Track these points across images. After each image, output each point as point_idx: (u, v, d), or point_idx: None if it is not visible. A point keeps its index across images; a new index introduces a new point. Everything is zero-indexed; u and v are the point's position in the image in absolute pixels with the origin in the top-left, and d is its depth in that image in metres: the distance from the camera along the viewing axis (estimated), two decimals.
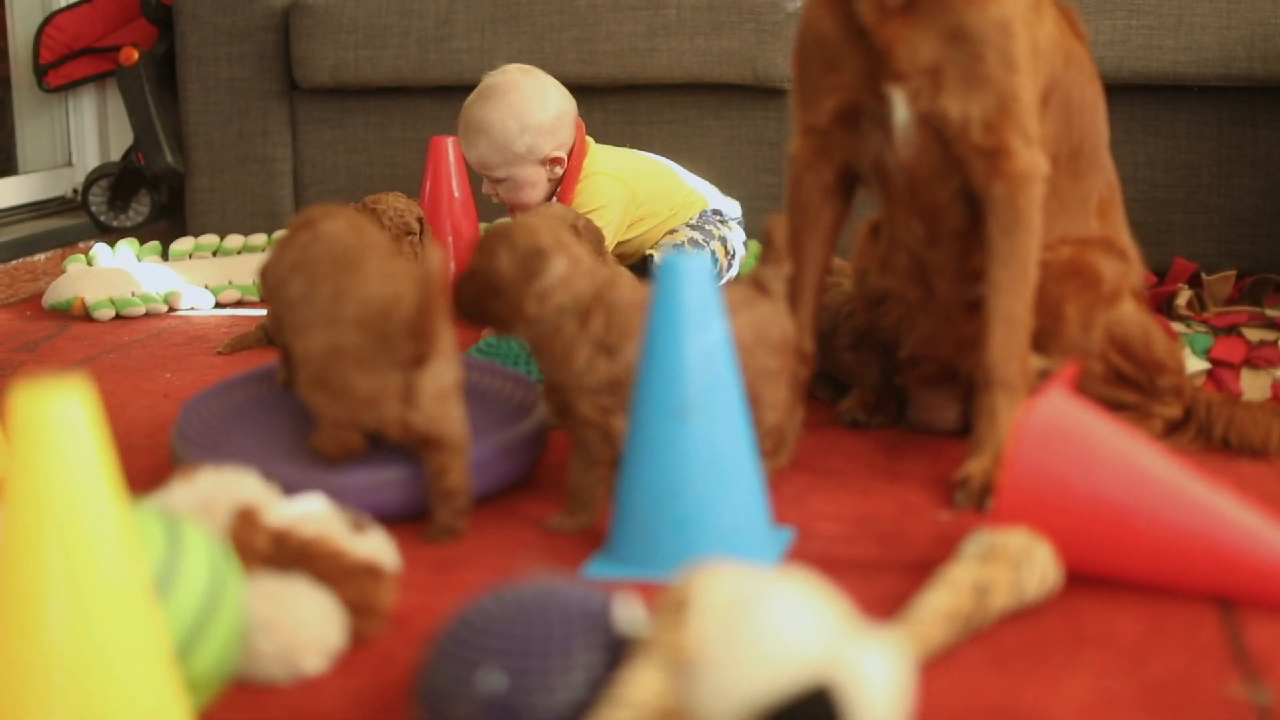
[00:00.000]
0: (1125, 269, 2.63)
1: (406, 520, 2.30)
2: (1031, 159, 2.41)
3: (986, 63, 2.36)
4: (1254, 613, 1.94)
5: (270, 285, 2.41)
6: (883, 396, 2.84)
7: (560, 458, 2.56)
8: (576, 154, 3.81)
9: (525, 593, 1.64)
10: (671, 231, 3.84)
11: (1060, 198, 2.59)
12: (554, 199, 3.81)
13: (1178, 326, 3.13)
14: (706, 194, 3.94)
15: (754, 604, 1.49)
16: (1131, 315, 2.60)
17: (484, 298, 2.31)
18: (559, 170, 3.78)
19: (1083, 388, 2.60)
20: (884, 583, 2.06)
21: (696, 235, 3.79)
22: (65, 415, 1.35)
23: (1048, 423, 2.01)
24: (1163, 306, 3.26)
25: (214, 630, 1.68)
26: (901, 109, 2.41)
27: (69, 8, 4.83)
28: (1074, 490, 1.98)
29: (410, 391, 2.19)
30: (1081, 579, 2.01)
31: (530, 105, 3.73)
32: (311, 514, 2.00)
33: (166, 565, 1.66)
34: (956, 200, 2.49)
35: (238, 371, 3.06)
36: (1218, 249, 4.08)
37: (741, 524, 2.11)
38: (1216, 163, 4.05)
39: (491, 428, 2.45)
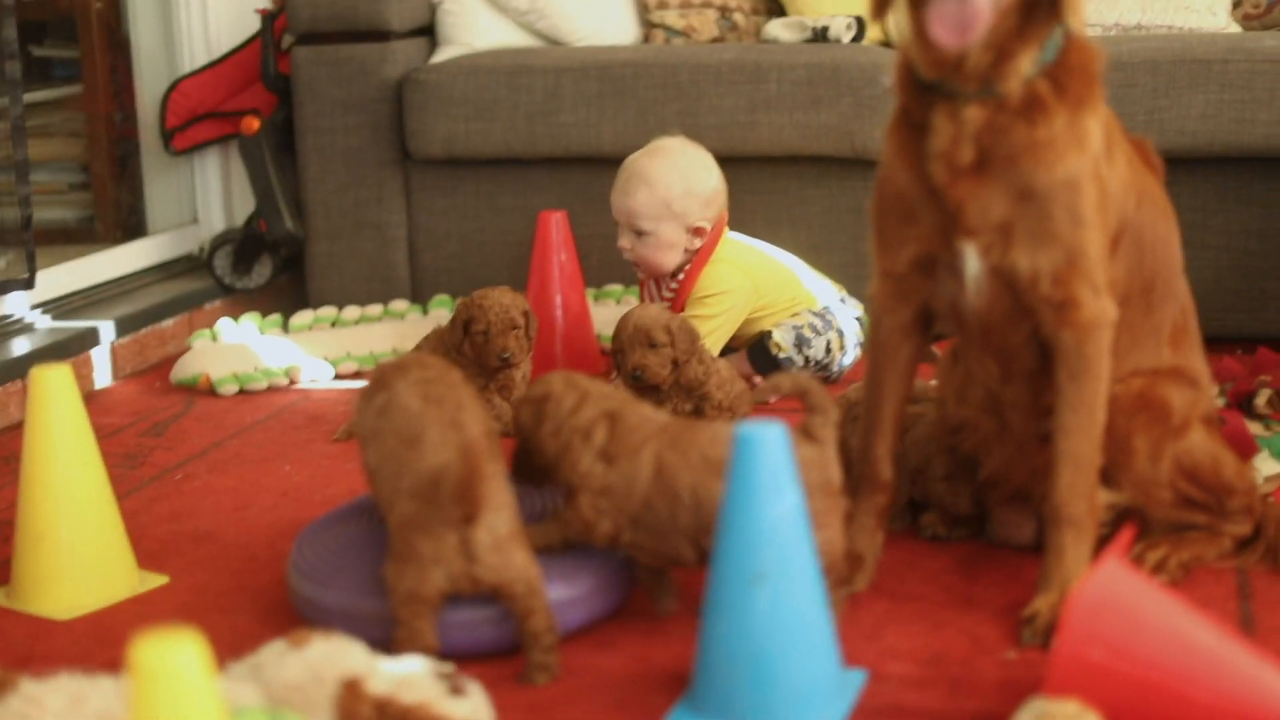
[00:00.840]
0: (1195, 397, 2.72)
1: (506, 656, 2.46)
2: (1099, 308, 2.51)
3: (1055, 220, 2.46)
4: None
5: (358, 436, 2.61)
6: (964, 514, 2.95)
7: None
8: (714, 234, 3.95)
9: None
10: (795, 314, 3.95)
11: (1133, 332, 2.68)
12: (683, 272, 3.96)
13: (1256, 427, 3.22)
14: (822, 292, 4.06)
15: None
16: (1200, 444, 2.69)
17: (525, 457, 2.61)
18: (698, 241, 3.92)
19: (1153, 513, 2.71)
20: None
21: (817, 321, 3.90)
22: (183, 667, 1.50)
23: (1100, 594, 2.13)
24: (1243, 404, 3.34)
25: None
26: (973, 261, 2.52)
27: (194, 73, 5.01)
28: (1124, 661, 2.09)
29: (467, 547, 2.36)
30: None
31: (695, 171, 3.89)
32: (412, 677, 2.15)
33: None
34: (1028, 343, 2.60)
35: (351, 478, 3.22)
36: None
37: (814, 678, 2.25)
38: None
39: (584, 563, 2.58)
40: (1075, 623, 2.12)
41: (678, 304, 3.96)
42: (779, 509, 2.20)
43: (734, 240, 4.03)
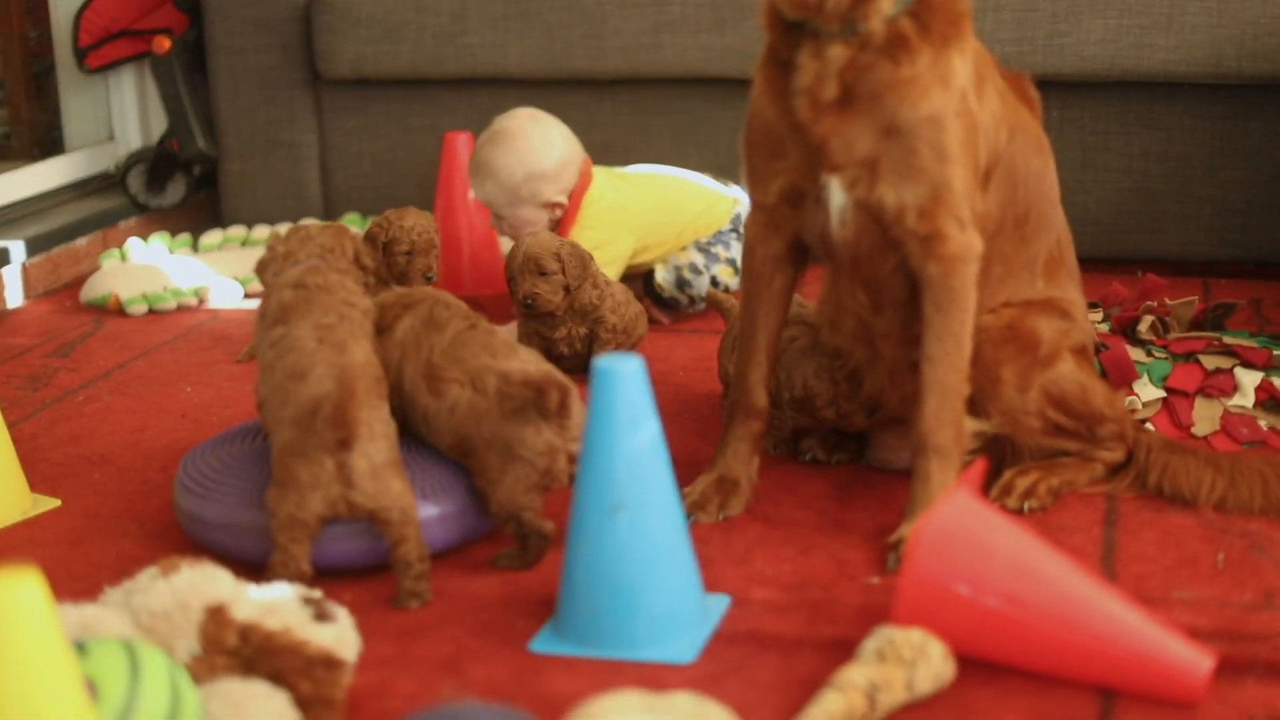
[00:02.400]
0: (1067, 327, 2.78)
1: (380, 572, 2.54)
2: (965, 241, 2.56)
3: (919, 156, 2.51)
4: (1131, 703, 2.12)
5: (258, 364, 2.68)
6: (842, 438, 3.01)
7: None
8: (578, 190, 3.96)
9: (444, 715, 1.85)
10: (683, 249, 3.98)
11: (1006, 263, 2.74)
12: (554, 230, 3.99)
13: (1137, 353, 3.27)
14: (739, 198, 4.08)
15: None
16: (1069, 373, 2.75)
17: None
18: (559, 213, 3.93)
19: (1023, 441, 2.78)
20: (805, 664, 2.25)
21: (699, 259, 3.93)
22: (24, 605, 1.55)
23: (947, 524, 2.19)
24: (1126, 330, 3.40)
25: None
26: (839, 195, 2.57)
27: None
28: (968, 591, 2.16)
29: (345, 472, 2.42)
30: (973, 666, 2.19)
31: (536, 153, 3.87)
32: (278, 604, 2.20)
33: (129, 692, 1.87)
34: (896, 274, 2.65)
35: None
36: (1210, 237, 4.20)
37: (674, 604, 2.31)
38: (1208, 155, 4.16)
39: (457, 482, 2.63)
40: (921, 553, 2.18)
41: None
42: (636, 441, 2.25)
43: (605, 182, 4.01)
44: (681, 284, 3.90)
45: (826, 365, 2.93)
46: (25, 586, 1.55)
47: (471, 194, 4.05)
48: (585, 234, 3.87)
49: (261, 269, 2.81)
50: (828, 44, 2.49)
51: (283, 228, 4.63)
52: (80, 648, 1.90)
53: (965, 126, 2.54)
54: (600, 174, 4.01)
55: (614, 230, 3.92)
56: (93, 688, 1.83)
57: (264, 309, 2.71)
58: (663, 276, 3.91)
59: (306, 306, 2.64)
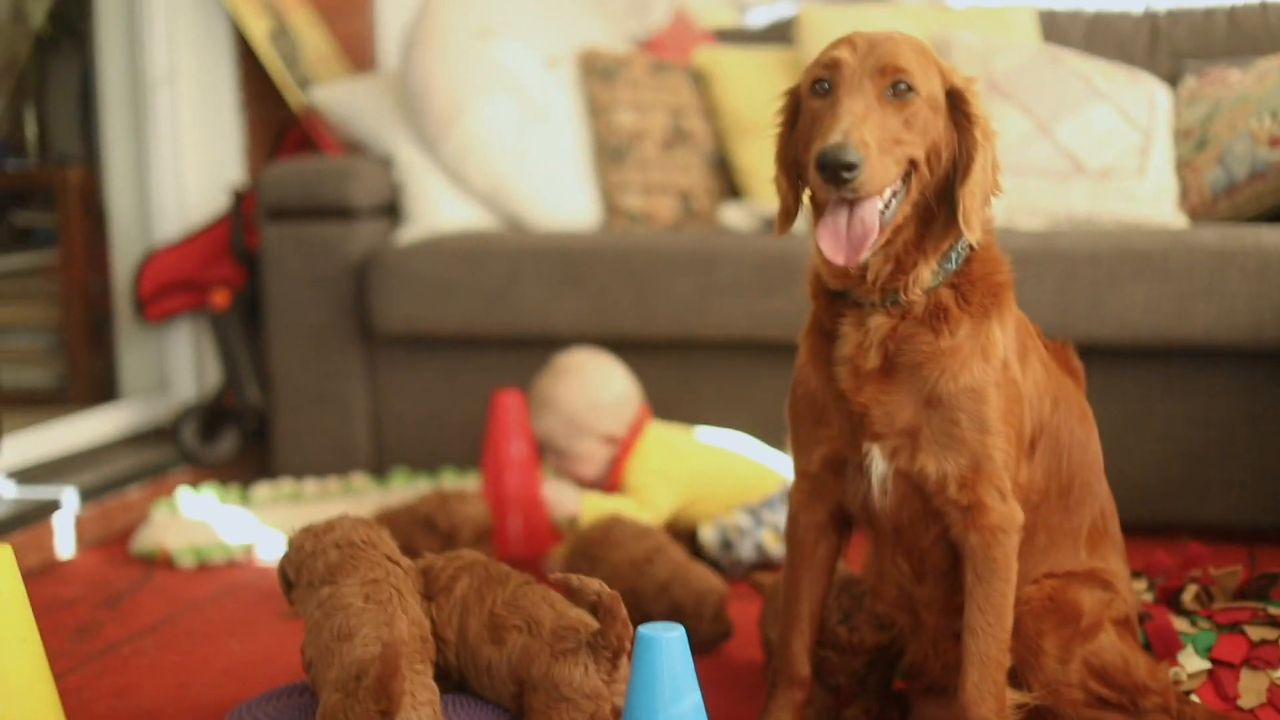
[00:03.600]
0: (1109, 599, 2.79)
1: None
2: (1006, 512, 2.59)
3: (960, 426, 2.55)
4: None
5: (293, 604, 2.71)
6: (886, 707, 3.00)
7: None
8: (633, 431, 4.10)
9: None
10: (729, 510, 4.03)
11: (1050, 532, 2.76)
12: (608, 470, 4.13)
13: (1181, 623, 3.27)
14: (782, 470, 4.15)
15: None
16: (1110, 645, 2.75)
17: None
18: (614, 449, 4.04)
19: (1066, 713, 2.77)
20: None
21: (746, 522, 3.97)
22: None
23: None
24: (1170, 600, 3.40)
25: None
26: (880, 464, 2.61)
27: (166, 246, 5.13)
28: None
29: None
30: None
31: (596, 386, 4.07)
32: None
33: None
34: (938, 544, 2.68)
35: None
36: (1254, 504, 4.20)
37: None
38: (1251, 422, 4.17)
39: None
40: None
41: (610, 486, 4.10)
42: (678, 710, 2.26)
43: (658, 433, 4.18)
44: (726, 545, 3.92)
45: (849, 604, 2.93)
46: None
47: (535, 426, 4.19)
48: (637, 464, 4.03)
49: (289, 566, 2.81)
50: (870, 314, 2.56)
51: (333, 482, 4.69)
52: None
53: (1007, 397, 2.58)
54: (656, 425, 4.16)
55: (659, 478, 4.02)
56: None
57: (308, 574, 2.74)
58: (707, 536, 3.94)
59: (353, 564, 2.67)
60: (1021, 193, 4.54)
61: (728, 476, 4.08)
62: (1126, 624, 2.84)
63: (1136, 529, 4.04)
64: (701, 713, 2.30)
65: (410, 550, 3.55)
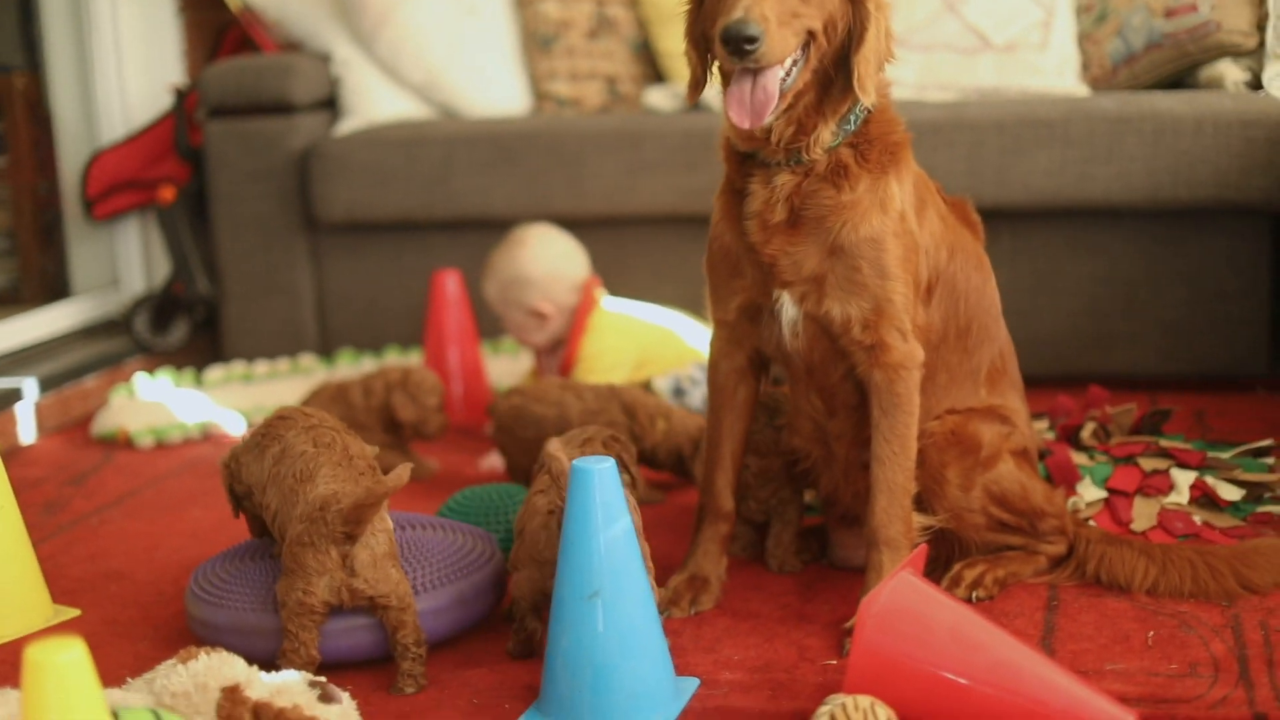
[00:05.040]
0: (1007, 432, 3.03)
1: (381, 663, 2.77)
2: (907, 351, 2.83)
3: (862, 273, 2.78)
4: None
5: (245, 487, 2.93)
6: (805, 538, 3.24)
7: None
8: (582, 308, 4.30)
9: None
10: (681, 366, 4.25)
11: (950, 372, 3.00)
12: (558, 348, 4.35)
13: (1080, 458, 3.52)
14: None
15: None
16: (1009, 474, 2.99)
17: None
18: (547, 324, 4.27)
19: (969, 536, 3.01)
20: None
21: (697, 373, 4.18)
22: (68, 665, 1.77)
23: (891, 599, 2.42)
24: (1070, 437, 3.65)
25: None
26: (790, 309, 2.85)
27: (111, 147, 5.28)
28: (910, 661, 2.39)
29: (348, 562, 2.68)
30: None
31: (526, 261, 4.24)
32: (287, 686, 2.43)
33: None
34: (846, 380, 2.92)
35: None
36: (1156, 354, 4.44)
37: (647, 684, 2.54)
38: (1152, 277, 4.41)
39: (451, 578, 2.87)
40: (869, 626, 2.41)
41: (564, 371, 4.29)
42: (610, 533, 2.49)
43: (608, 310, 4.37)
44: (679, 392, 4.13)
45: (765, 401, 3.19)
46: (72, 653, 1.78)
47: None
48: (592, 345, 4.22)
49: (229, 471, 3.01)
50: (775, 172, 2.80)
51: (283, 363, 4.89)
52: (113, 715, 2.12)
53: (904, 245, 2.81)
54: (607, 299, 4.37)
55: (617, 341, 4.24)
56: None
57: (248, 452, 2.95)
58: (660, 385, 4.15)
59: (286, 424, 2.90)
60: (931, 67, 4.75)
61: (669, 352, 4.29)
62: (1025, 455, 3.07)
63: (1047, 381, 4.31)
64: (633, 537, 2.53)
65: (375, 420, 3.84)
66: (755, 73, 2.69)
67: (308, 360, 4.96)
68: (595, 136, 4.72)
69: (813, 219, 2.79)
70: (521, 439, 3.70)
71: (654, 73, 5.24)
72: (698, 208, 4.58)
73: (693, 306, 4.56)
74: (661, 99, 5.00)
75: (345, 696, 2.48)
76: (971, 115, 4.43)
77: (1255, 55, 4.51)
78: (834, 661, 2.74)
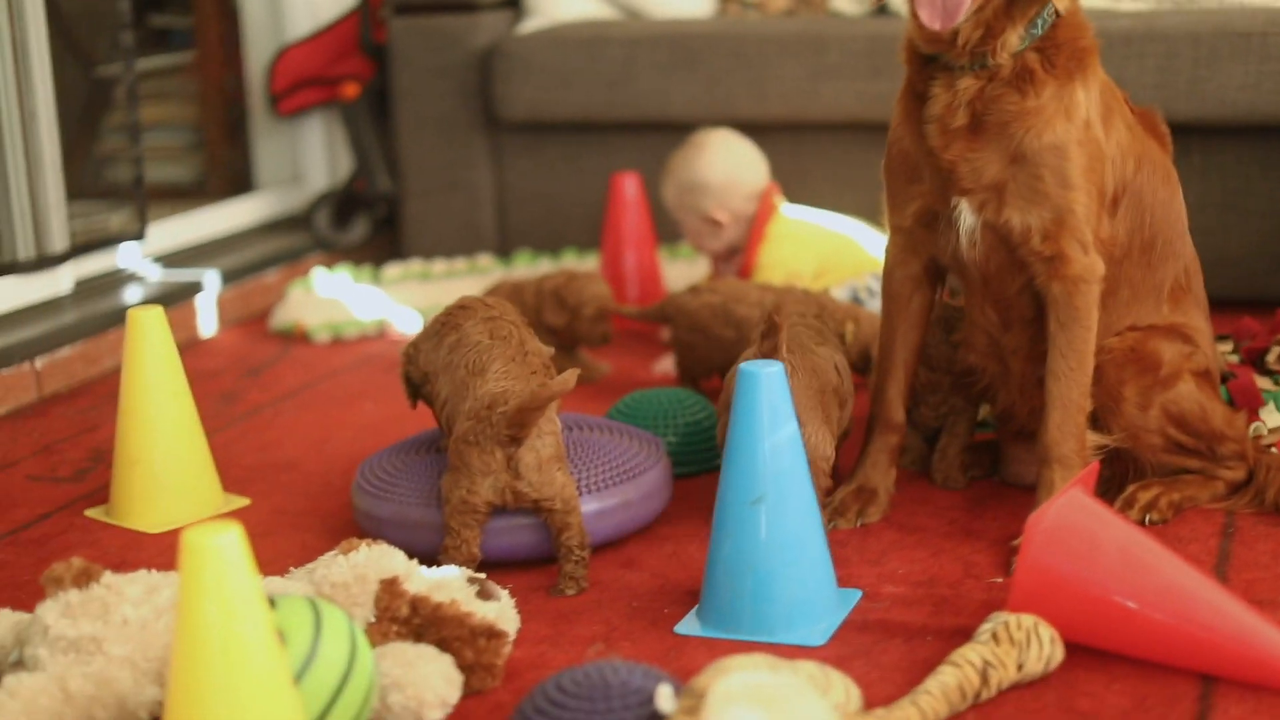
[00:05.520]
0: (1189, 351, 2.94)
1: (543, 563, 2.78)
2: (1087, 264, 2.75)
3: (1044, 182, 2.71)
4: (1230, 689, 2.27)
5: (421, 374, 2.91)
6: (977, 453, 3.18)
7: (675, 509, 2.99)
8: (760, 217, 4.25)
9: (594, 672, 2.06)
10: (857, 275, 4.19)
11: (1133, 287, 2.92)
12: (737, 250, 4.31)
13: (1264, 383, 3.41)
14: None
15: (762, 697, 1.89)
16: (1189, 393, 2.91)
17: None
18: (722, 231, 4.22)
19: (1145, 457, 2.93)
20: (927, 648, 2.43)
21: (874, 283, 4.11)
22: (225, 549, 1.78)
23: (1059, 519, 2.37)
24: (1255, 361, 3.54)
25: (351, 694, 2.12)
26: (968, 217, 2.78)
27: (298, 42, 5.31)
28: (1076, 581, 2.33)
29: (513, 463, 2.66)
30: (1082, 650, 2.36)
31: (704, 166, 4.20)
32: (446, 581, 2.44)
33: (313, 641, 2.10)
34: (1024, 293, 2.84)
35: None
36: None
37: (808, 593, 2.51)
38: None
39: (617, 481, 2.86)
40: (1035, 543, 2.36)
41: (743, 277, 4.25)
42: (775, 439, 2.46)
43: (787, 217, 4.30)
44: (857, 302, 4.07)
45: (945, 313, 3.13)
46: (229, 536, 1.79)
47: None
48: (770, 253, 4.18)
49: (408, 360, 3.02)
50: (959, 76, 2.72)
51: (460, 262, 4.90)
52: (270, 602, 2.14)
53: (1089, 155, 2.73)
54: (786, 207, 4.30)
55: (795, 249, 4.19)
56: (281, 636, 2.05)
57: (427, 340, 2.95)
58: (837, 294, 4.09)
59: (467, 313, 2.89)
60: None
61: (848, 261, 4.22)
62: (1206, 376, 2.98)
63: (1234, 303, 4.16)
64: (799, 443, 2.49)
65: (538, 323, 3.76)
66: None
67: (485, 260, 4.97)
68: (778, 40, 4.65)
69: (995, 125, 2.72)
70: (719, 338, 3.65)
71: None
72: (881, 115, 4.42)
73: (873, 215, 4.49)
74: (848, 2, 4.91)
75: (504, 594, 2.48)
76: (1164, 25, 4.29)
77: None
78: (999, 580, 2.69)
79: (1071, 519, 2.37)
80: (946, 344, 3.12)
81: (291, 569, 2.59)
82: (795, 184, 4.63)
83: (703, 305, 3.65)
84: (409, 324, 4.52)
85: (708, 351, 3.65)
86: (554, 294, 3.90)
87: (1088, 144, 2.73)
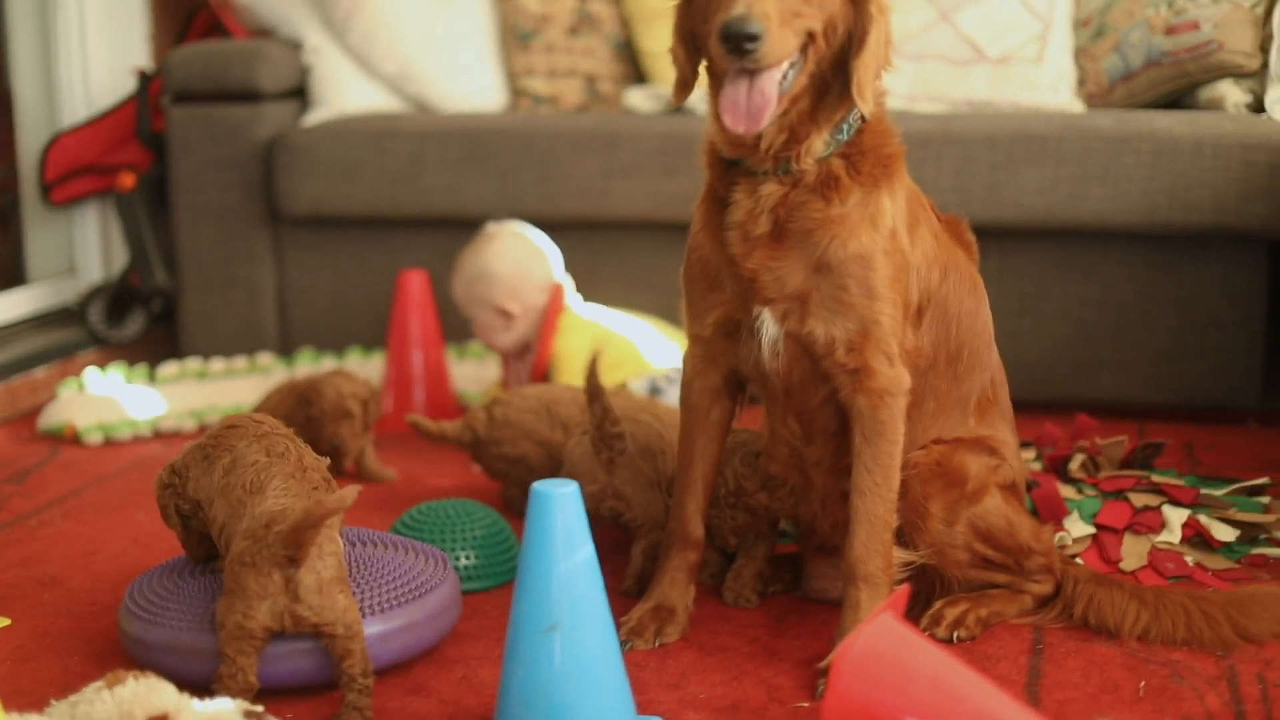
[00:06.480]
0: (995, 464, 2.87)
1: (323, 690, 2.61)
2: (893, 376, 2.66)
3: (849, 292, 2.62)
4: None
5: (190, 503, 2.76)
6: (778, 567, 3.08)
7: (464, 628, 2.84)
8: (551, 310, 4.18)
9: None
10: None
11: (938, 399, 2.84)
12: (529, 347, 4.23)
13: (1068, 491, 3.37)
14: (675, 358, 4.19)
15: None
16: (995, 508, 2.84)
17: None
18: (513, 324, 4.11)
19: (951, 573, 2.85)
20: None
21: (673, 373, 4.01)
22: None
23: (870, 644, 2.26)
24: (1058, 469, 3.50)
25: None
26: (771, 327, 2.68)
27: (73, 129, 5.11)
28: (889, 711, 2.22)
29: (292, 586, 2.49)
30: None
31: (494, 258, 4.16)
32: (221, 714, 2.26)
33: None
34: (827, 405, 2.75)
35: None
36: (1144, 383, 4.29)
37: None
38: (1142, 302, 4.26)
39: (402, 601, 2.70)
40: (845, 672, 2.25)
41: (536, 376, 4.14)
42: (571, 562, 2.32)
43: (576, 312, 4.24)
44: (655, 391, 3.96)
45: (751, 459, 3.01)
46: None
47: None
48: (564, 344, 4.11)
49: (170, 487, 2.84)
50: (762, 182, 2.63)
51: (240, 361, 4.72)
52: None
53: (894, 265, 2.65)
54: (576, 301, 4.26)
55: (588, 341, 4.09)
56: None
57: (196, 463, 2.78)
58: (636, 386, 3.99)
59: (236, 434, 2.73)
60: (923, 78, 4.60)
61: (634, 362, 4.12)
62: (1013, 489, 2.92)
63: (1031, 406, 4.15)
64: (595, 566, 2.36)
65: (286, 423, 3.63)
66: (752, 74, 2.53)
67: (266, 358, 4.79)
68: (571, 136, 4.55)
69: (799, 232, 2.63)
70: (548, 442, 3.56)
71: (635, 72, 5.08)
72: (675, 214, 4.43)
73: (667, 315, 4.40)
74: (642, 100, 4.84)
75: None
76: (962, 128, 4.28)
77: (1258, 77, 4.37)
78: (805, 704, 2.58)
79: (881, 646, 2.27)
80: (762, 492, 3.02)
81: (52, 701, 2.38)
82: (587, 282, 4.53)
83: (524, 410, 3.55)
84: (185, 425, 4.32)
85: (540, 460, 3.53)
86: (301, 394, 3.80)
87: (894, 253, 2.66)
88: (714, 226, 2.71)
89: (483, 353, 4.67)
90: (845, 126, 2.65)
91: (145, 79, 5.06)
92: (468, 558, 3.09)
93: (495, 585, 3.12)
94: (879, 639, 2.27)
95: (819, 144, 2.62)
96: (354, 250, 4.81)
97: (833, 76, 2.63)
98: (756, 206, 2.63)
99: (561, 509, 2.33)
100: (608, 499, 3.08)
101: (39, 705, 2.44)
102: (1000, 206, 4.22)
